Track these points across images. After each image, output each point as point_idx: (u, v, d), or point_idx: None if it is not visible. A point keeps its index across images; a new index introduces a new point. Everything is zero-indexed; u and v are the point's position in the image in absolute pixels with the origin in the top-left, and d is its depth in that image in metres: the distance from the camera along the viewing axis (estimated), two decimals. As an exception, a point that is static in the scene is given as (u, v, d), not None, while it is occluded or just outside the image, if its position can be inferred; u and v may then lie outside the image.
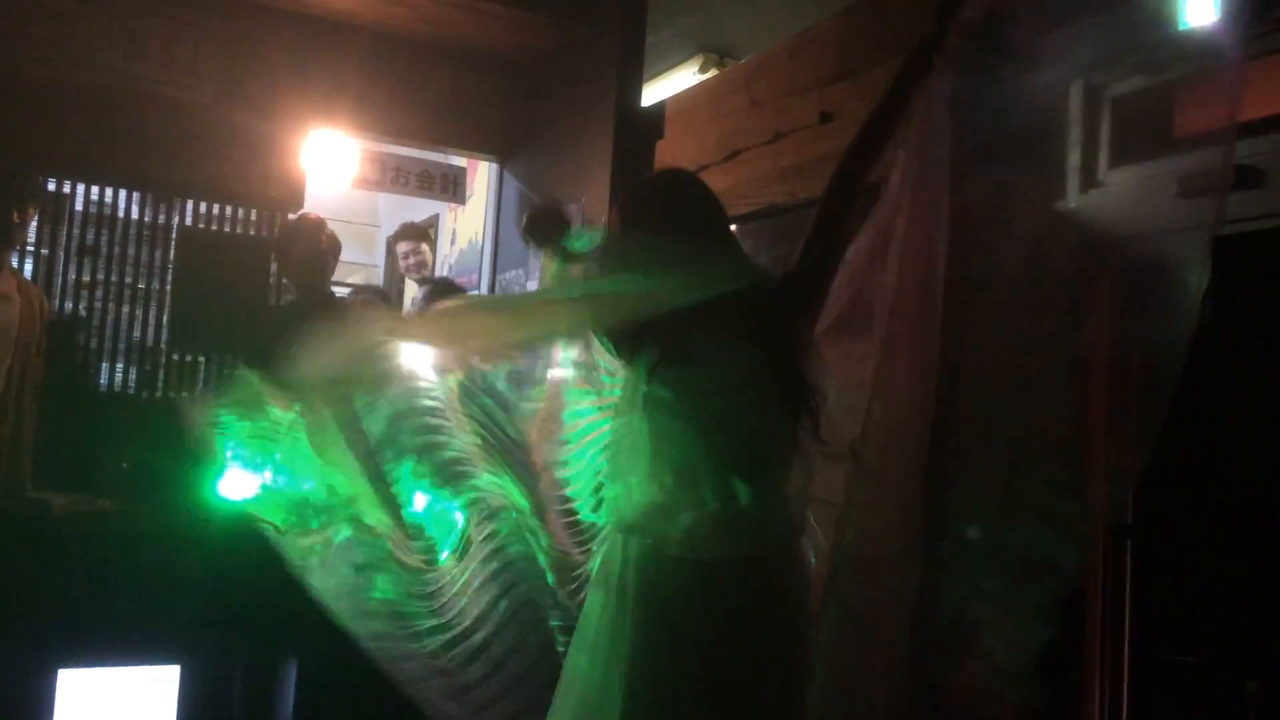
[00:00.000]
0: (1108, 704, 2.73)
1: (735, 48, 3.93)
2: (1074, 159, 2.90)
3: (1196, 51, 2.64)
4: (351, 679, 3.90)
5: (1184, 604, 2.62)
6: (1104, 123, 2.89)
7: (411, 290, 6.19)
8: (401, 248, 5.68)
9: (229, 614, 3.61)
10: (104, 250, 4.21)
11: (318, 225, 4.04)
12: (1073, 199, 2.89)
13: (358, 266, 6.67)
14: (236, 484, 3.59)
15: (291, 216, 4.24)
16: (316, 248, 3.98)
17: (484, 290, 5.32)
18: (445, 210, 5.98)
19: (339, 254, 4.15)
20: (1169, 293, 2.86)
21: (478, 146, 5.10)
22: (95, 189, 4.21)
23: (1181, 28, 2.64)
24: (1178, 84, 2.76)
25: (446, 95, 4.81)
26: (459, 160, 5.52)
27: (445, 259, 5.96)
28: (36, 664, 3.37)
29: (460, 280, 5.53)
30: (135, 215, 4.28)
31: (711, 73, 3.90)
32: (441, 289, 5.30)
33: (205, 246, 4.32)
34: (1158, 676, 2.70)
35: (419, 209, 6.27)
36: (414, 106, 4.75)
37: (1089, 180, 2.88)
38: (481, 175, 5.44)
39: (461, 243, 5.77)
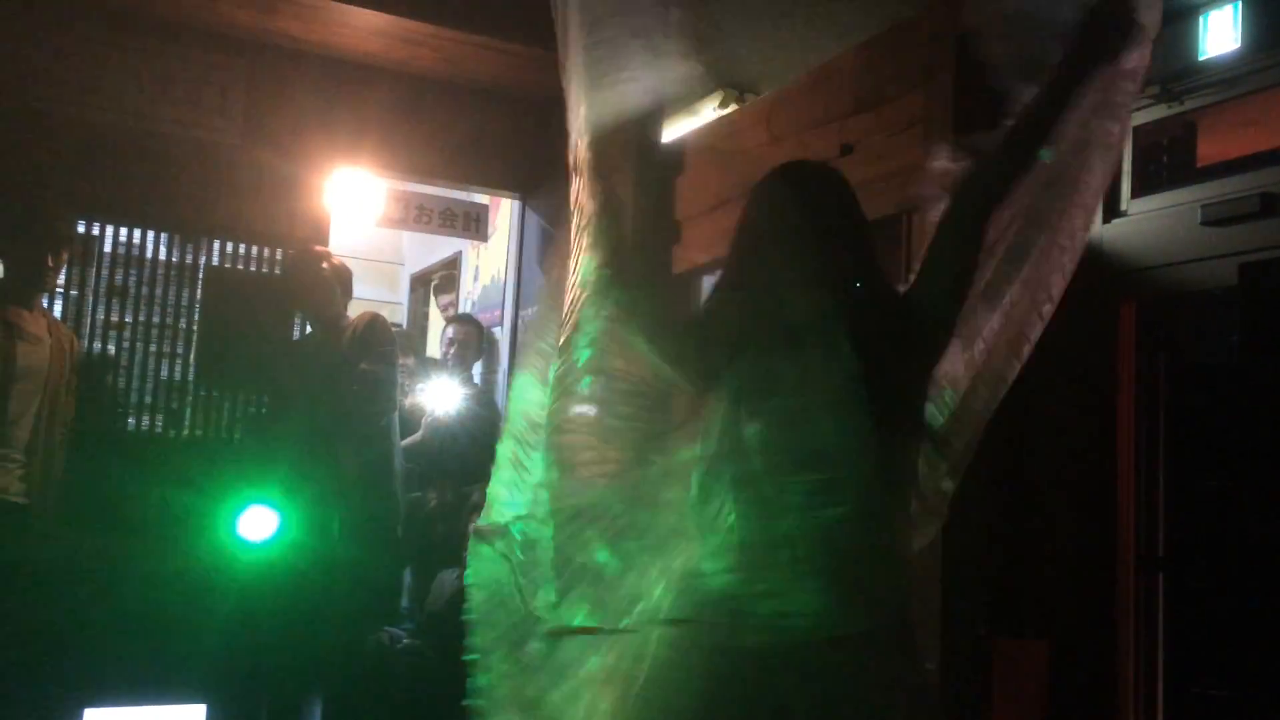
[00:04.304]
0: (1142, 740, 2.68)
1: (755, 83, 3.94)
2: (1097, 188, 2.89)
3: (1219, 80, 2.64)
4: (376, 716, 3.91)
5: (1218, 637, 2.58)
6: (1127, 152, 2.88)
7: (435, 328, 6.24)
8: (443, 300, 5.85)
9: (254, 653, 3.62)
10: (132, 291, 4.26)
11: (320, 255, 4.10)
12: (1096, 228, 2.88)
13: (382, 304, 6.71)
14: (257, 523, 3.62)
15: (292, 251, 4.30)
16: (320, 277, 4.03)
17: (506, 327, 5.34)
18: (468, 247, 6.02)
19: (347, 282, 4.16)
20: (1196, 322, 2.85)
21: (500, 184, 5.14)
22: (123, 230, 4.27)
23: (1203, 57, 2.63)
24: (1200, 112, 2.75)
25: (469, 134, 4.86)
26: (481, 197, 5.56)
27: (468, 296, 5.99)
28: (63, 703, 3.39)
29: (482, 316, 5.55)
30: (163, 256, 4.33)
31: (731, 108, 3.92)
32: (465, 324, 5.33)
33: (232, 286, 4.37)
34: (1192, 711, 2.65)
35: (442, 247, 6.32)
36: (437, 145, 4.80)
37: (1112, 210, 2.87)
38: (504, 212, 5.48)
39: (484, 279, 5.80)
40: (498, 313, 5.49)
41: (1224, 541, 2.57)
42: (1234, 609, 2.51)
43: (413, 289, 7.02)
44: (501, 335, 5.40)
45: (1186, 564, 2.71)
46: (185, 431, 4.24)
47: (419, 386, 5.12)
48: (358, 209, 5.17)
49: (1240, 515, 2.50)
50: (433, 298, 6.67)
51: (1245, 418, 2.51)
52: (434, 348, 6.12)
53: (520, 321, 5.18)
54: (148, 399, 4.23)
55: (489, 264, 5.73)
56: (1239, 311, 2.53)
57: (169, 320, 4.31)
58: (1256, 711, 2.38)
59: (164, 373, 4.26)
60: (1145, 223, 2.79)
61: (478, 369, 5.41)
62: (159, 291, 4.30)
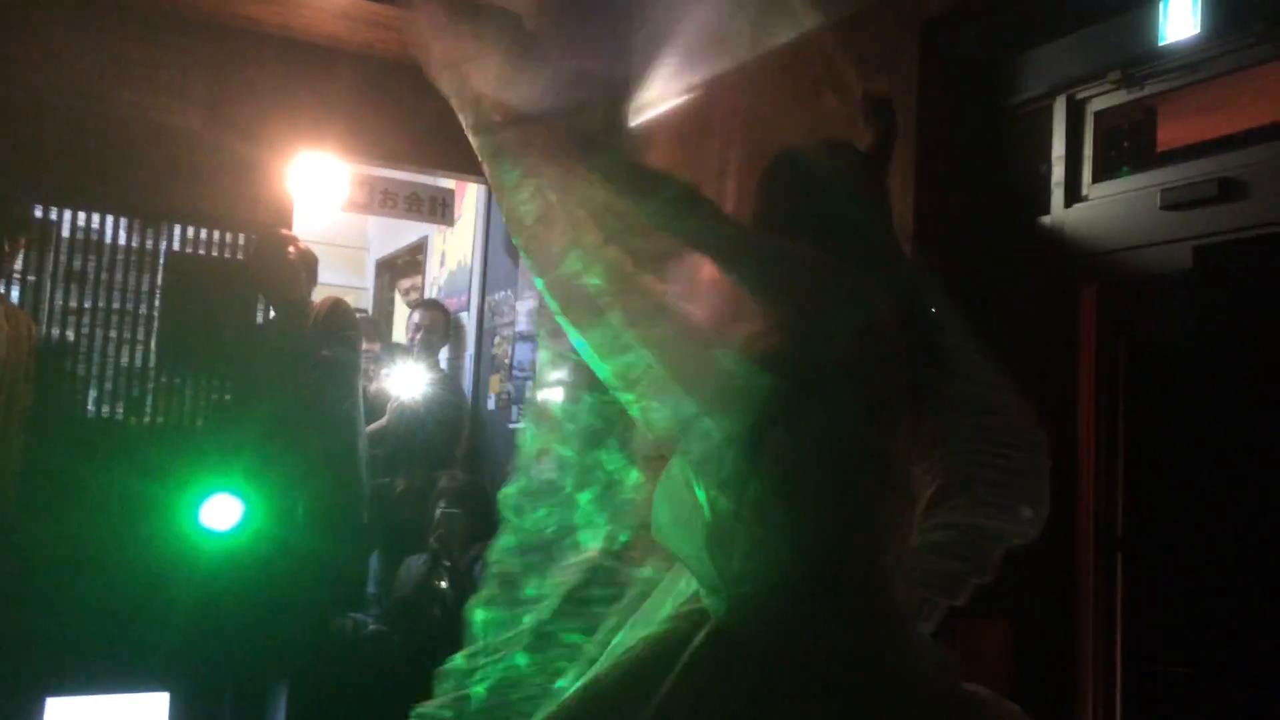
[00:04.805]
0: (1100, 717, 2.72)
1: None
2: (1058, 173, 2.92)
3: (1179, 66, 2.67)
4: (343, 703, 3.90)
5: (1176, 615, 2.62)
6: (1088, 137, 2.90)
7: (400, 313, 6.21)
8: (404, 284, 5.84)
9: (218, 640, 3.59)
10: (91, 276, 4.19)
11: (284, 240, 4.09)
12: (1057, 213, 2.91)
13: (347, 290, 6.68)
14: (221, 511, 3.59)
15: (255, 236, 4.26)
16: (286, 262, 4.02)
17: (473, 311, 5.31)
18: (434, 233, 5.99)
19: (313, 268, 4.17)
20: (1156, 305, 2.89)
21: (466, 169, 5.10)
22: (82, 215, 4.20)
23: (1163, 42, 2.66)
24: (1161, 98, 2.78)
25: (434, 118, 4.78)
26: (447, 182, 5.53)
27: (434, 281, 5.96)
28: (24, 693, 3.35)
29: (448, 301, 5.53)
30: (122, 241, 4.27)
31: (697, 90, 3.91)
32: (432, 309, 5.31)
33: (193, 271, 4.31)
34: (1150, 687, 2.69)
35: (408, 232, 6.28)
36: (402, 129, 4.75)
37: (1073, 195, 2.90)
38: (470, 197, 5.45)
39: (451, 265, 5.77)
40: (464, 298, 5.47)
41: (1182, 522, 2.60)
42: (1191, 588, 2.55)
43: (378, 274, 6.98)
44: (468, 320, 5.38)
45: (1145, 544, 2.76)
46: (147, 418, 4.19)
47: (384, 372, 5.10)
48: (322, 193, 5.12)
49: (1197, 496, 2.54)
50: (396, 282, 6.64)
51: (1201, 400, 2.55)
52: (400, 333, 6.09)
53: (486, 307, 5.16)
54: (108, 385, 4.18)
55: (455, 249, 5.70)
56: (1194, 294, 2.56)
57: (129, 306, 4.25)
58: (1212, 688, 2.42)
59: (125, 359, 4.21)
60: (1106, 207, 2.82)
61: (444, 354, 5.39)
62: (119, 277, 4.24)
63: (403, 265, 6.53)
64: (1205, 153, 2.63)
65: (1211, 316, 2.49)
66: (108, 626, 3.46)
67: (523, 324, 4.74)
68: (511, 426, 4.68)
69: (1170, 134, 2.83)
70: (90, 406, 4.16)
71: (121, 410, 4.17)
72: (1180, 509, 2.61)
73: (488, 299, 5.16)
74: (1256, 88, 2.64)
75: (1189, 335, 2.63)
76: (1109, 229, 2.79)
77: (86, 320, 4.18)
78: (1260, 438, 2.34)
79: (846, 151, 1.85)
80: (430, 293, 5.90)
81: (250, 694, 3.81)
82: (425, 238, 6.14)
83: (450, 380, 5.19)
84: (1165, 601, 2.70)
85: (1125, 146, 2.89)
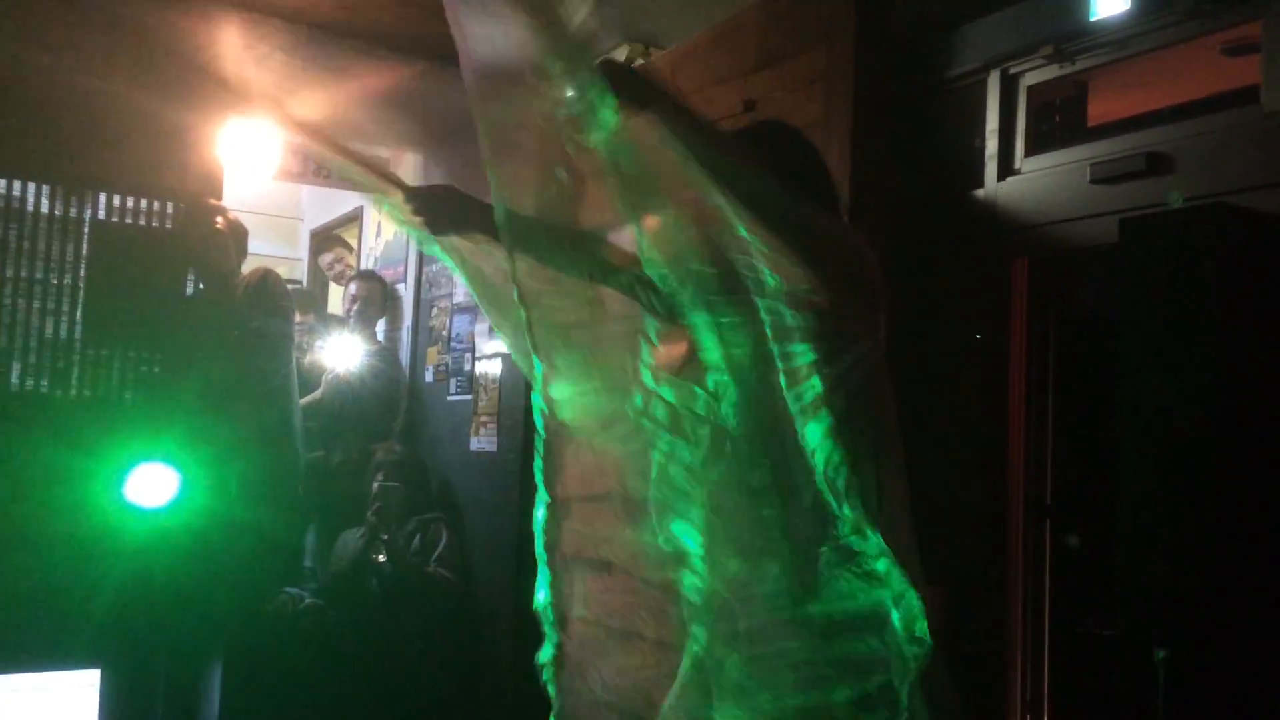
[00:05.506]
0: (1029, 677, 2.80)
1: (660, 37, 3.92)
2: (992, 147, 2.96)
3: (1109, 41, 2.71)
4: (279, 678, 3.87)
5: (1101, 580, 2.69)
6: (1020, 111, 2.95)
7: (335, 291, 6.12)
8: (325, 259, 5.77)
9: (151, 615, 3.54)
10: (12, 245, 4.07)
11: (213, 210, 4.01)
12: (990, 186, 2.95)
13: (281, 260, 6.56)
14: (152, 485, 3.53)
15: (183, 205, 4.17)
16: (214, 232, 3.96)
17: (410, 282, 5.26)
18: (369, 203, 5.90)
19: (243, 239, 4.11)
20: (1084, 277, 2.95)
21: (402, 138, 5.04)
22: (2, 182, 4.07)
23: (1094, 18, 2.70)
24: (1091, 73, 2.83)
25: (369, 86, 4.74)
26: (383, 152, 5.44)
27: (370, 251, 5.88)
28: (-52, 672, 3.27)
29: (385, 273, 5.46)
30: (45, 209, 4.14)
31: (638, 62, 3.90)
32: (368, 280, 5.25)
33: (119, 241, 4.21)
34: (1076, 648, 2.77)
35: (342, 201, 6.18)
36: (336, 97, 4.67)
37: (1006, 168, 2.94)
38: (407, 167, 5.37)
39: (387, 235, 5.69)
40: (401, 268, 5.40)
41: (1108, 490, 2.67)
42: (1116, 553, 2.62)
43: (312, 244, 6.86)
44: (405, 292, 5.32)
45: (1072, 511, 2.83)
46: (73, 391, 4.09)
47: (319, 344, 5.03)
48: (253, 161, 5.02)
49: (1123, 465, 2.60)
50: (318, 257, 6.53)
51: (1127, 370, 2.61)
52: (336, 304, 6.01)
53: (424, 278, 5.11)
54: (32, 358, 4.07)
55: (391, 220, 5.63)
56: (1118, 265, 2.61)
57: (53, 276, 4.14)
58: (1133, 647, 2.50)
59: (49, 331, 4.09)
60: (1037, 181, 2.86)
61: (381, 326, 5.33)
62: (41, 246, 4.11)
63: (324, 241, 6.41)
64: (1134, 127, 2.69)
65: (1135, 287, 2.54)
66: (36, 603, 3.39)
67: (460, 295, 4.69)
68: (449, 399, 4.64)
69: (1100, 109, 2.89)
70: (14, 379, 4.05)
71: (47, 383, 4.07)
72: (1106, 478, 2.68)
73: (425, 270, 5.10)
74: (1184, 64, 2.70)
75: (1116, 306, 2.68)
76: (1040, 202, 2.84)
77: (8, 291, 4.06)
78: (1184, 407, 2.40)
79: (794, 132, 1.89)
80: (367, 264, 5.83)
81: (185, 669, 3.77)
82: (360, 208, 6.05)
83: (387, 352, 5.14)
84: (1091, 567, 2.77)
85: (1057, 121, 2.93)
